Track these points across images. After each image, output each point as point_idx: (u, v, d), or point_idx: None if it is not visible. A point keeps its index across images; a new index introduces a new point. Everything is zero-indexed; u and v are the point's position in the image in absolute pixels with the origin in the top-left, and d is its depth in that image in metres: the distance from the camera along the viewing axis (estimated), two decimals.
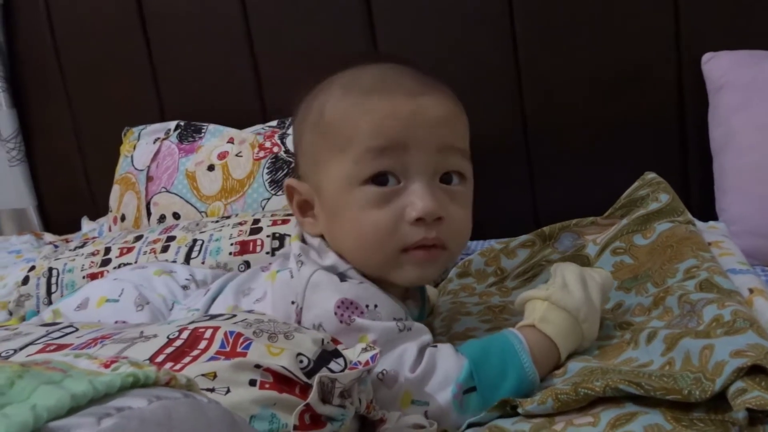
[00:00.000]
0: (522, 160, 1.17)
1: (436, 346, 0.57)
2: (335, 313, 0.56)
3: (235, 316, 0.52)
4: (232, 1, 1.29)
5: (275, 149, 1.17)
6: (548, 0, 1.11)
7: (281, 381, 0.45)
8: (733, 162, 0.98)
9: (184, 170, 1.20)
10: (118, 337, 0.51)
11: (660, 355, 0.53)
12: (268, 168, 1.15)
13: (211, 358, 0.46)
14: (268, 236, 0.95)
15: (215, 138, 1.23)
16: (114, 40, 1.40)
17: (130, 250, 1.00)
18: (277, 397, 0.44)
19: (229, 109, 1.32)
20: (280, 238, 0.94)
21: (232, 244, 0.95)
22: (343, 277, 0.59)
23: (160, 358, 0.46)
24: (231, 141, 1.21)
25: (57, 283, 0.99)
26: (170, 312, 0.70)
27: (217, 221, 1.02)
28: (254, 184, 1.14)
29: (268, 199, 1.12)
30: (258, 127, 1.24)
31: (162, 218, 1.19)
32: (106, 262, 0.98)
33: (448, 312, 0.78)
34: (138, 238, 1.02)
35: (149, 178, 1.23)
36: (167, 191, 1.19)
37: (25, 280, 1.00)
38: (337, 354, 0.49)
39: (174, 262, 0.93)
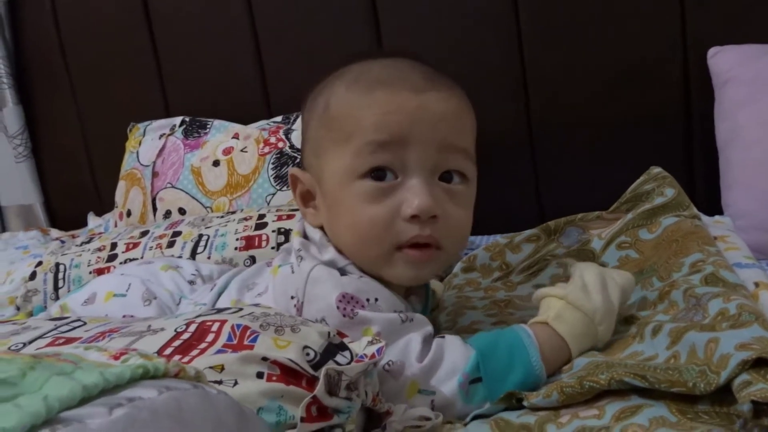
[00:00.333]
0: (526, 156, 1.17)
1: (443, 337, 0.58)
2: (337, 307, 0.56)
3: (241, 309, 0.53)
4: None
5: (280, 144, 1.17)
6: None
7: (288, 373, 0.46)
8: (738, 157, 0.98)
9: (190, 166, 1.20)
10: (126, 330, 0.51)
11: (665, 349, 0.53)
12: (273, 163, 1.15)
13: (219, 351, 0.46)
14: (273, 231, 0.95)
15: (220, 133, 1.23)
16: (119, 37, 1.40)
17: (136, 245, 1.00)
18: (284, 390, 0.44)
19: (234, 104, 1.32)
20: (286, 233, 0.94)
21: (237, 239, 0.95)
22: (343, 272, 0.59)
23: (168, 351, 0.47)
24: (236, 136, 1.21)
25: (64, 279, 0.99)
26: (177, 306, 0.70)
27: (222, 216, 1.03)
28: (259, 180, 1.14)
29: (273, 194, 1.13)
30: (263, 122, 1.25)
31: (168, 214, 1.19)
32: (112, 258, 0.99)
33: (454, 306, 0.78)
34: (144, 233, 1.03)
35: (155, 174, 1.23)
36: (173, 187, 1.20)
37: (32, 276, 1.00)
38: (343, 347, 0.49)
39: (180, 257, 0.93)
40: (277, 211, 1.00)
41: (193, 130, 1.27)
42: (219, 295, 0.66)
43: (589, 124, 1.12)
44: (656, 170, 0.85)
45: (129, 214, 1.26)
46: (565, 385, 0.51)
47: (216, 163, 1.18)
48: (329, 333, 0.50)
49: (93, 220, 1.44)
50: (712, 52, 1.03)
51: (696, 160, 1.09)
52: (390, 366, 0.54)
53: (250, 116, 1.27)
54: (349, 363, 0.48)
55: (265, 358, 0.45)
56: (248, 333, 0.48)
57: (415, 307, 0.64)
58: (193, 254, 0.94)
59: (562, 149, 1.14)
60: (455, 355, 0.55)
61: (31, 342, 0.51)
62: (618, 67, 1.09)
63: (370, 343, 0.51)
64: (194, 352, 0.46)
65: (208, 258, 0.93)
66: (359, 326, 0.56)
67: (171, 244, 0.98)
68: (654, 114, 1.09)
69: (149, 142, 1.29)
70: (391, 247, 0.58)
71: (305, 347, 0.47)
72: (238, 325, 0.48)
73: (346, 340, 0.51)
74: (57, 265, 1.01)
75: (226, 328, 0.48)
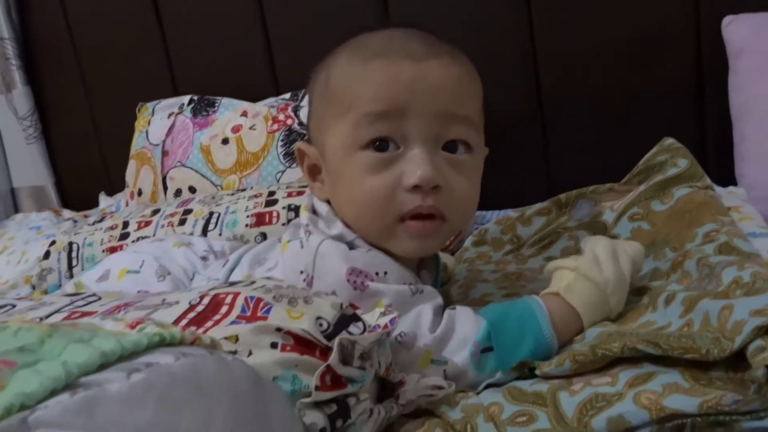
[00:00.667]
0: (537, 131, 1.16)
1: (455, 308, 0.58)
2: (347, 280, 0.56)
3: (254, 282, 0.53)
4: None
5: (289, 122, 1.17)
6: None
7: (302, 344, 0.46)
8: (753, 128, 0.96)
9: (199, 144, 1.20)
10: (141, 304, 0.52)
11: (678, 318, 0.53)
12: (282, 141, 1.15)
13: (233, 323, 0.46)
14: (283, 208, 0.95)
15: (229, 112, 1.23)
16: (126, 16, 1.40)
17: (147, 223, 1.01)
18: (298, 359, 0.45)
19: (242, 82, 1.32)
20: (296, 210, 0.94)
21: (248, 216, 0.95)
22: (351, 246, 0.59)
23: (182, 323, 0.47)
24: (244, 114, 1.21)
25: (77, 257, 1.00)
26: (191, 282, 0.71)
27: (232, 194, 1.03)
28: (269, 157, 1.14)
29: (283, 171, 1.13)
30: (271, 100, 1.24)
31: (178, 192, 1.20)
32: (124, 236, 1.00)
33: (465, 279, 0.78)
34: (155, 212, 1.03)
35: (164, 153, 1.23)
36: (182, 165, 1.20)
37: (47, 255, 1.02)
38: (355, 318, 0.50)
39: (191, 234, 0.94)
40: (287, 188, 1.00)
41: (202, 109, 1.26)
42: (231, 270, 0.67)
43: (601, 97, 1.11)
44: (669, 141, 0.84)
45: (140, 193, 1.26)
46: (577, 353, 0.51)
47: (225, 141, 1.18)
48: (341, 304, 0.50)
49: (104, 200, 1.45)
50: (726, 21, 1.01)
51: (709, 131, 1.08)
52: (402, 337, 0.54)
53: (259, 94, 1.26)
54: (362, 333, 0.48)
55: (279, 329, 0.46)
56: (262, 305, 0.48)
57: (425, 282, 0.64)
58: (205, 232, 0.95)
59: (573, 123, 1.13)
60: (467, 325, 0.56)
61: (47, 316, 0.52)
62: (630, 38, 1.08)
63: (383, 314, 0.51)
64: (208, 324, 0.47)
65: (219, 235, 0.94)
66: (370, 299, 0.56)
67: (182, 222, 0.98)
68: (667, 86, 1.07)
69: (158, 121, 1.29)
70: (393, 218, 0.58)
71: (318, 318, 0.47)
72: (252, 297, 0.49)
73: (358, 312, 0.51)
74: (70, 244, 1.02)
75: (240, 300, 0.49)
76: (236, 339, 0.45)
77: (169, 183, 1.21)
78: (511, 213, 0.93)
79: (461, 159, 0.59)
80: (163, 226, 0.99)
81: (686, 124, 1.08)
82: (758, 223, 0.74)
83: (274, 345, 0.45)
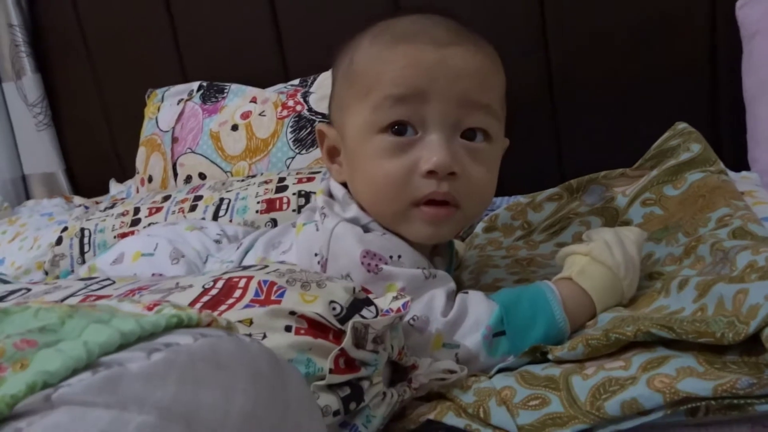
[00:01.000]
0: (547, 113, 1.15)
1: (467, 293, 0.58)
2: (362, 263, 0.56)
3: (267, 266, 0.53)
4: None
5: (298, 108, 1.16)
6: None
7: (316, 327, 0.46)
8: (766, 111, 0.95)
9: (208, 131, 1.20)
10: (155, 288, 0.52)
11: (692, 302, 0.53)
12: (291, 127, 1.15)
13: (247, 306, 0.47)
14: (294, 194, 0.95)
15: (238, 98, 1.23)
16: (135, 2, 1.39)
17: (158, 210, 1.01)
18: (312, 343, 0.45)
19: (251, 68, 1.31)
20: (306, 196, 0.95)
21: (258, 203, 0.96)
22: (366, 229, 0.59)
23: (196, 307, 0.47)
24: (254, 100, 1.21)
25: (89, 243, 1.01)
26: (204, 265, 0.71)
27: (242, 180, 1.03)
28: (278, 143, 1.14)
29: (293, 158, 1.13)
30: (280, 86, 1.24)
31: (188, 179, 1.20)
32: (135, 222, 1.00)
33: (476, 265, 0.78)
34: (166, 198, 1.04)
35: (174, 140, 1.24)
36: (192, 152, 1.20)
37: (59, 241, 1.02)
38: (368, 302, 0.50)
39: (203, 220, 0.94)
40: (297, 174, 1.00)
41: (211, 95, 1.26)
42: (245, 253, 0.67)
43: (612, 80, 1.10)
44: (682, 126, 0.84)
45: (150, 179, 1.27)
46: (590, 337, 0.51)
47: (234, 128, 1.18)
48: (354, 288, 0.50)
49: (115, 187, 1.46)
50: (740, 3, 1.00)
51: (722, 115, 1.07)
52: (415, 321, 0.55)
53: (268, 80, 1.26)
54: (374, 317, 0.48)
55: (292, 312, 0.46)
56: (275, 288, 0.48)
57: (439, 268, 0.64)
58: (215, 218, 0.95)
59: (584, 106, 1.12)
60: (479, 309, 0.56)
61: (63, 300, 0.52)
62: (642, 20, 1.07)
63: (395, 298, 0.51)
64: (222, 308, 0.47)
65: (230, 221, 0.94)
66: (383, 282, 0.56)
67: (193, 209, 0.99)
68: (679, 68, 1.06)
69: (168, 107, 1.29)
70: (407, 203, 0.58)
71: (331, 302, 0.48)
72: (265, 281, 0.49)
73: (370, 296, 0.51)
74: (82, 230, 1.02)
75: (253, 284, 0.49)
76: (250, 322, 0.45)
77: (179, 169, 1.21)
78: (522, 199, 0.93)
79: (479, 147, 0.59)
80: (174, 213, 0.99)
81: (699, 108, 1.07)
82: None
83: (288, 328, 0.45)
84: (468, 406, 0.49)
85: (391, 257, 0.57)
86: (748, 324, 0.44)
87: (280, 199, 0.95)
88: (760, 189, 0.80)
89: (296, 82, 1.23)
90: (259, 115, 1.18)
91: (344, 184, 0.63)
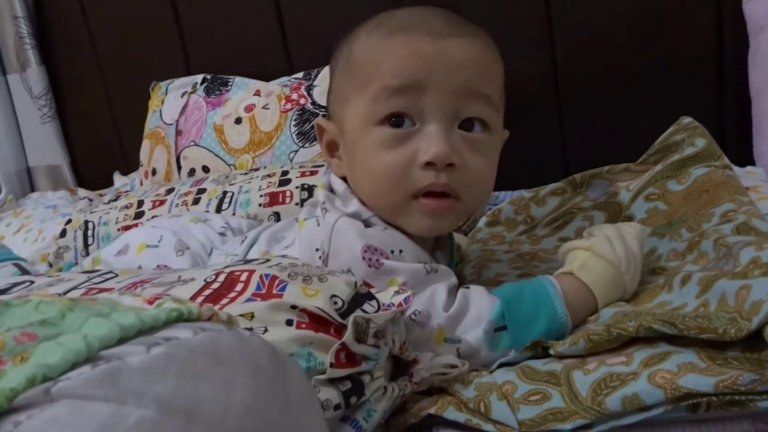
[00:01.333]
0: (552, 108, 1.15)
1: (468, 288, 0.58)
2: (363, 258, 0.56)
3: (269, 260, 0.53)
4: None
5: (302, 101, 1.16)
6: None
7: (317, 321, 0.46)
8: None
9: (212, 124, 1.20)
10: (157, 281, 0.52)
11: (694, 298, 0.52)
12: (295, 120, 1.15)
13: (248, 300, 0.47)
14: (297, 187, 0.95)
15: (242, 91, 1.23)
16: None
17: (162, 202, 1.01)
18: (313, 337, 0.45)
19: (255, 61, 1.31)
20: (309, 189, 0.95)
21: (261, 196, 0.96)
22: (367, 223, 0.59)
23: (198, 300, 0.48)
24: (257, 93, 1.21)
25: (93, 236, 1.01)
26: (209, 257, 0.71)
27: (246, 173, 1.03)
28: (282, 137, 1.14)
29: (296, 151, 1.13)
30: (284, 79, 1.24)
31: (192, 172, 1.20)
32: (139, 215, 1.00)
33: (478, 259, 0.78)
34: (169, 191, 1.04)
35: (178, 132, 1.24)
36: (196, 145, 1.20)
37: (63, 233, 1.03)
38: (370, 296, 0.50)
39: (207, 212, 0.94)
40: (300, 167, 1.00)
41: (215, 88, 1.26)
42: (250, 247, 0.67)
43: (617, 74, 1.09)
44: (687, 120, 0.83)
45: (154, 172, 1.27)
46: (592, 332, 0.51)
47: (238, 121, 1.18)
48: (356, 283, 0.50)
49: (119, 180, 1.46)
50: None
51: (728, 110, 1.06)
52: (416, 315, 0.54)
53: (272, 73, 1.26)
54: (376, 312, 0.48)
55: (294, 306, 0.46)
56: (277, 282, 0.48)
57: (440, 262, 0.64)
58: (218, 211, 0.95)
59: (589, 100, 1.12)
60: (480, 304, 0.56)
61: (65, 293, 0.53)
62: (647, 14, 1.06)
63: (397, 292, 0.51)
64: (224, 301, 0.47)
65: (233, 215, 0.94)
66: (385, 276, 0.56)
67: (196, 202, 0.99)
68: (685, 62, 1.05)
69: (171, 100, 1.29)
70: (406, 195, 0.57)
71: (333, 296, 0.48)
72: (267, 275, 0.49)
73: (372, 291, 0.52)
74: (86, 222, 1.03)
75: (255, 278, 0.49)
76: (252, 316, 0.45)
77: (182, 162, 1.22)
78: (525, 193, 0.92)
79: (478, 138, 0.58)
80: (177, 205, 1.00)
81: (705, 103, 1.07)
82: None
83: (289, 322, 0.45)
84: (469, 401, 0.49)
85: (392, 252, 0.57)
86: (751, 320, 0.44)
87: (283, 192, 0.95)
88: (765, 184, 0.79)
89: (300, 75, 1.23)
90: (263, 108, 1.18)
91: (344, 179, 0.63)
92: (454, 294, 0.57)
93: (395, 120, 0.57)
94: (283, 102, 1.17)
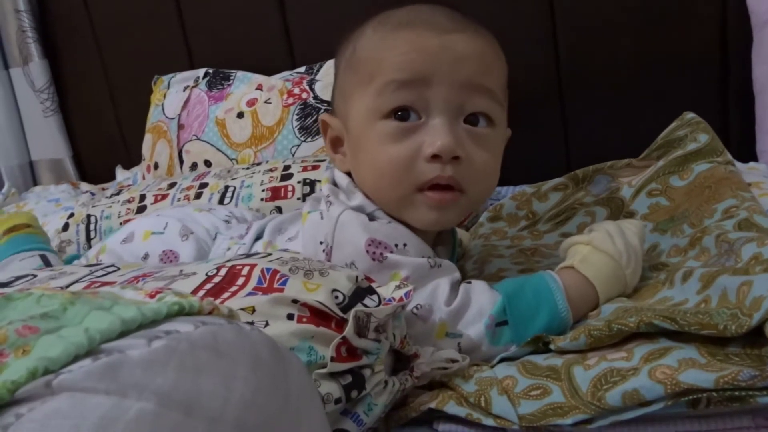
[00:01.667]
0: (555, 102, 1.14)
1: (470, 282, 0.58)
2: (366, 251, 0.56)
3: (270, 254, 0.53)
4: None
5: (304, 95, 1.16)
6: None
7: (318, 315, 0.46)
8: None
9: (214, 118, 1.20)
10: (159, 275, 0.52)
11: (696, 294, 0.53)
12: (297, 114, 1.15)
13: (249, 294, 0.47)
14: (299, 182, 0.95)
15: (244, 85, 1.23)
16: None
17: (164, 197, 1.02)
18: (314, 331, 0.45)
19: (257, 55, 1.31)
20: (311, 184, 0.95)
21: (263, 190, 0.96)
22: (371, 217, 0.59)
23: (200, 294, 0.48)
24: (260, 88, 1.21)
25: (96, 230, 1.01)
26: (214, 242, 0.71)
27: (248, 168, 1.03)
28: (284, 131, 1.14)
29: (298, 145, 1.13)
30: (286, 73, 1.24)
31: (194, 166, 1.20)
32: (141, 209, 1.01)
33: (480, 255, 0.78)
34: (172, 185, 1.04)
35: (180, 126, 1.24)
36: (198, 139, 1.20)
37: (65, 227, 1.03)
38: (371, 291, 0.50)
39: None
40: (302, 162, 1.00)
41: (217, 82, 1.26)
42: (255, 236, 0.68)
43: (620, 69, 1.09)
44: (689, 116, 0.83)
45: (156, 166, 1.27)
46: (592, 328, 0.51)
47: (240, 115, 1.18)
48: (357, 277, 0.50)
49: (121, 174, 1.46)
50: None
51: (731, 105, 1.06)
52: (418, 309, 0.55)
53: (274, 67, 1.26)
54: (377, 306, 0.48)
55: (295, 301, 0.46)
56: (278, 276, 0.48)
57: (442, 257, 0.64)
58: (220, 205, 0.95)
59: (591, 95, 1.11)
60: (482, 298, 0.56)
61: (68, 286, 0.53)
62: (651, 8, 1.05)
63: (398, 287, 0.51)
64: (225, 295, 0.47)
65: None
66: (388, 270, 0.56)
67: (198, 196, 0.99)
68: (688, 57, 1.05)
69: (174, 94, 1.29)
70: (411, 188, 0.58)
71: (334, 290, 0.48)
72: (268, 269, 0.49)
73: (373, 285, 0.52)
74: (88, 216, 1.03)
75: (256, 272, 0.49)
76: (253, 310, 0.45)
77: (185, 156, 1.22)
78: (527, 188, 0.92)
79: (482, 132, 0.59)
80: (179, 200, 1.00)
81: (708, 98, 1.06)
82: None
83: (290, 316, 0.45)
84: (469, 395, 0.49)
85: (396, 245, 0.57)
86: (751, 316, 0.44)
87: (285, 187, 0.95)
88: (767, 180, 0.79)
89: (302, 69, 1.23)
90: (265, 102, 1.18)
91: (348, 175, 0.63)
92: (456, 289, 0.57)
93: (401, 113, 0.57)
94: (285, 96, 1.17)
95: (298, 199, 0.94)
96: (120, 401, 0.23)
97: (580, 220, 0.82)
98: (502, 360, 0.54)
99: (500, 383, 0.49)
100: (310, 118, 1.14)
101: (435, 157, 0.56)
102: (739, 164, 0.80)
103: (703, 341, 0.46)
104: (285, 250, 0.58)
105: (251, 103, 1.19)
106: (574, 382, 0.47)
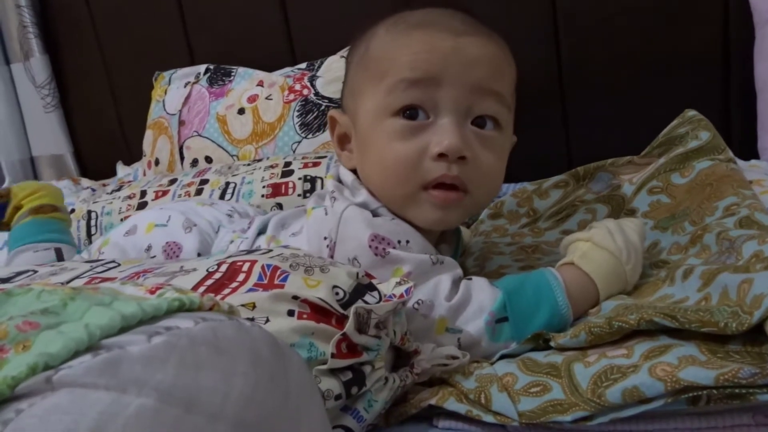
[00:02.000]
0: (556, 99, 1.14)
1: (470, 279, 0.58)
2: (369, 246, 0.56)
3: (271, 251, 0.53)
4: None
5: (305, 92, 1.16)
6: None
7: (318, 312, 0.46)
8: None
9: (215, 114, 1.20)
10: (159, 271, 0.52)
11: (696, 291, 0.52)
12: (298, 111, 1.15)
13: (250, 290, 0.47)
14: (299, 179, 0.95)
15: (245, 81, 1.23)
16: None
17: (165, 193, 1.02)
18: (314, 327, 0.45)
19: (258, 52, 1.31)
20: (312, 181, 0.95)
21: (264, 187, 0.96)
22: (375, 214, 0.60)
23: (200, 290, 0.48)
24: (261, 84, 1.21)
25: (96, 226, 1.02)
26: (216, 234, 0.72)
27: (248, 164, 1.03)
28: (285, 128, 1.14)
29: (299, 142, 1.13)
30: (287, 69, 1.24)
31: (195, 162, 1.20)
32: (142, 205, 1.01)
33: (481, 252, 0.78)
34: (172, 181, 1.04)
35: (181, 123, 1.24)
36: (199, 135, 1.20)
37: None
38: (371, 287, 0.50)
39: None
40: (303, 158, 1.00)
41: (218, 78, 1.26)
42: (258, 230, 0.68)
43: (622, 66, 1.08)
44: (691, 113, 0.83)
45: (157, 162, 1.27)
46: (593, 325, 0.51)
47: (241, 111, 1.18)
48: (358, 274, 0.50)
49: (122, 170, 1.46)
50: None
51: (733, 103, 1.06)
52: (419, 305, 0.55)
53: (275, 63, 1.26)
54: (377, 303, 0.48)
55: (295, 297, 0.46)
56: (278, 273, 0.48)
57: (444, 255, 0.64)
58: None
59: (593, 93, 1.11)
60: (482, 295, 0.56)
61: (68, 282, 0.53)
62: (652, 6, 1.05)
63: (399, 283, 0.51)
64: (226, 291, 0.47)
65: None
66: (390, 265, 0.56)
67: (199, 192, 0.99)
68: (690, 55, 1.05)
69: (174, 90, 1.29)
70: (417, 186, 0.58)
71: (335, 287, 0.48)
72: (269, 266, 0.49)
73: (374, 282, 0.52)
74: (89, 212, 1.03)
75: (257, 268, 0.49)
76: (253, 306, 0.45)
77: (185, 153, 1.22)
78: (528, 185, 0.92)
79: (489, 135, 0.59)
80: (180, 196, 1.00)
81: (710, 96, 1.06)
82: None
83: (290, 312, 0.45)
84: (469, 392, 0.49)
85: (399, 242, 0.57)
86: (752, 314, 0.44)
87: (286, 183, 0.95)
88: None
89: (303, 65, 1.23)
90: (266, 98, 1.18)
91: (354, 172, 0.64)
92: (457, 285, 0.57)
93: (409, 112, 0.58)
94: (286, 93, 1.17)
95: (299, 195, 0.94)
96: (120, 397, 0.23)
97: (580, 218, 0.82)
98: (502, 357, 0.54)
99: (500, 380, 0.49)
100: (311, 114, 1.13)
101: (441, 156, 0.57)
102: (740, 162, 0.80)
103: (703, 339, 0.46)
104: (286, 246, 0.58)
105: (252, 99, 1.19)
106: (574, 379, 0.47)
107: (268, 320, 0.45)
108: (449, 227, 0.66)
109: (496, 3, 1.11)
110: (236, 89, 1.22)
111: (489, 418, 0.47)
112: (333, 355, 0.44)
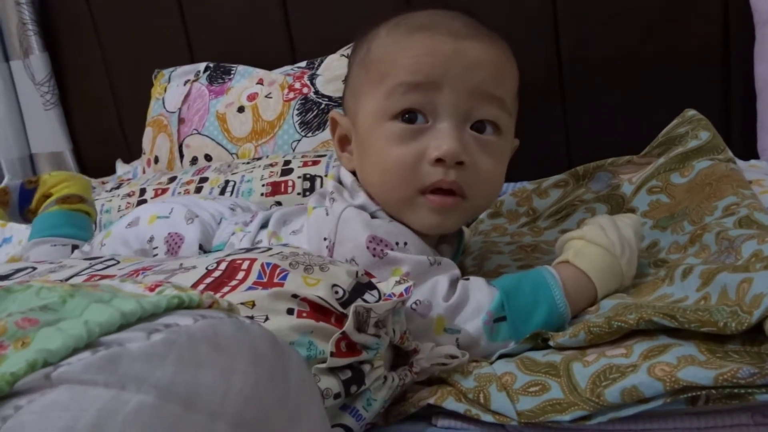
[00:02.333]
0: (556, 99, 1.14)
1: (468, 279, 0.58)
2: (367, 247, 0.56)
3: (270, 249, 0.53)
4: None
5: (305, 90, 1.16)
6: None
7: (318, 310, 0.46)
8: None
9: (215, 112, 1.20)
10: (159, 268, 0.52)
11: (695, 291, 0.53)
12: (297, 109, 1.15)
13: (249, 288, 0.47)
14: (299, 177, 0.96)
15: (245, 79, 1.23)
16: None
17: (164, 191, 1.02)
18: (314, 326, 0.45)
19: (258, 50, 1.31)
20: (311, 179, 0.95)
21: (263, 185, 0.96)
22: (373, 216, 0.60)
23: (199, 288, 0.48)
24: (260, 82, 1.21)
25: (96, 223, 1.01)
26: (218, 226, 0.72)
27: (248, 163, 1.03)
28: (284, 126, 1.14)
29: (299, 140, 1.13)
30: (287, 68, 1.24)
31: (194, 160, 1.20)
32: (141, 203, 1.01)
33: (480, 251, 0.78)
34: (172, 179, 1.04)
35: (181, 120, 1.24)
36: (198, 133, 1.20)
37: None
38: (371, 286, 0.50)
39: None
40: (302, 157, 1.00)
41: (218, 76, 1.26)
42: (260, 225, 0.68)
43: (622, 66, 1.09)
44: (691, 113, 0.83)
45: (156, 160, 1.27)
46: (592, 324, 0.51)
47: (241, 110, 1.18)
48: (357, 272, 0.50)
49: (121, 167, 1.46)
50: None
51: (733, 103, 1.06)
52: (417, 305, 0.55)
53: (275, 61, 1.26)
54: (377, 301, 0.48)
55: (295, 295, 0.46)
56: (278, 271, 0.48)
57: (445, 255, 0.64)
58: None
59: (593, 92, 1.11)
60: (480, 294, 0.56)
61: (67, 279, 0.53)
62: (653, 5, 1.05)
63: (398, 282, 0.51)
64: (225, 289, 0.47)
65: None
66: (389, 266, 0.56)
67: (198, 190, 0.99)
68: (690, 55, 1.05)
69: (174, 88, 1.29)
70: (414, 190, 0.58)
71: (334, 285, 0.48)
72: (268, 264, 0.49)
73: (373, 281, 0.52)
74: None
75: (256, 266, 0.49)
76: (253, 304, 0.45)
77: (185, 150, 1.22)
78: (528, 185, 0.92)
79: (489, 139, 0.59)
80: (179, 194, 1.00)
81: (710, 96, 1.06)
82: None
83: (290, 311, 0.45)
84: (468, 391, 0.49)
85: (397, 243, 0.57)
86: (751, 314, 0.44)
87: (285, 182, 0.95)
88: None
89: (303, 64, 1.23)
90: (266, 97, 1.18)
91: (354, 173, 0.64)
92: (455, 285, 0.57)
93: (408, 116, 0.58)
94: (285, 91, 1.17)
95: (298, 194, 0.94)
96: (119, 394, 0.23)
97: (580, 217, 0.82)
98: (501, 356, 0.54)
99: (499, 379, 0.49)
100: (310, 113, 1.13)
101: (439, 161, 0.57)
102: (740, 162, 0.80)
103: (702, 338, 0.46)
104: (285, 245, 0.58)
105: (252, 97, 1.19)
106: (573, 378, 0.47)
107: (267, 318, 0.45)
108: (447, 231, 0.66)
109: (496, 3, 1.12)
110: (236, 87, 1.22)
111: (488, 418, 0.47)
112: (332, 354, 0.44)
